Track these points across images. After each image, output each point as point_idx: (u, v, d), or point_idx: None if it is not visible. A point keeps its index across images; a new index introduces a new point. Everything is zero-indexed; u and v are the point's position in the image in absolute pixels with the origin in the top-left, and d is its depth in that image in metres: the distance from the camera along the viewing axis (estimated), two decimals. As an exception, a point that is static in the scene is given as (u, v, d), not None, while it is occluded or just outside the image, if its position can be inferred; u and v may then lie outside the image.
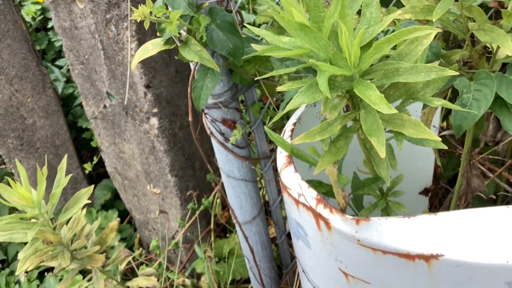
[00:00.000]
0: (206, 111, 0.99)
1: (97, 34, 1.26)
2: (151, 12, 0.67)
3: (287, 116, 1.15)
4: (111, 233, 1.08)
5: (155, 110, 1.30)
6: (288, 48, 0.59)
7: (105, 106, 1.42)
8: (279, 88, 0.62)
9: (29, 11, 1.89)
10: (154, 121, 1.32)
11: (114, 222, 1.08)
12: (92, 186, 1.02)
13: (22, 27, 1.58)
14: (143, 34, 1.21)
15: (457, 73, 0.54)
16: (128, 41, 1.21)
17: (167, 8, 0.78)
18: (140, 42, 1.21)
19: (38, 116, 1.65)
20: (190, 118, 0.90)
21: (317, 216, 0.67)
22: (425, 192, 1.19)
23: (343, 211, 0.70)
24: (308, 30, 0.54)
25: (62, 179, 0.95)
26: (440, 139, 0.58)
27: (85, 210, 1.05)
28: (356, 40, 0.51)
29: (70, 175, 0.99)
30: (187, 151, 1.44)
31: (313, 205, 0.68)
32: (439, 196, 1.25)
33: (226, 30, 0.78)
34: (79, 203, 0.98)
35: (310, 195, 0.69)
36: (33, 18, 1.92)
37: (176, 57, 0.85)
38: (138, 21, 1.17)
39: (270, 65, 0.83)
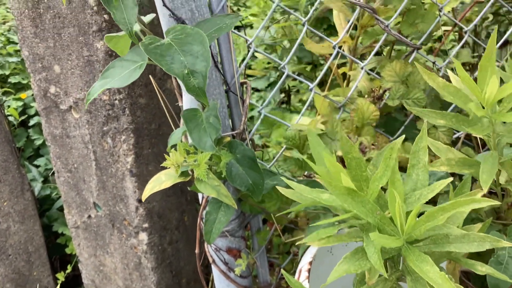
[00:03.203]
0: (210, 239, 0.93)
1: (90, 145, 1.21)
2: (185, 160, 0.63)
3: (293, 243, 1.10)
4: None
5: (146, 225, 1.23)
6: (328, 205, 0.55)
7: (89, 217, 1.34)
8: (306, 240, 0.58)
9: (12, 110, 1.83)
10: (143, 236, 1.25)
11: None
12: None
13: (5, 127, 1.52)
14: (141, 148, 1.17)
15: (511, 244, 0.51)
16: (124, 154, 1.16)
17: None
18: (137, 156, 1.17)
19: (13, 221, 1.54)
20: (196, 250, 0.84)
21: None
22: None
23: None
24: (355, 195, 0.51)
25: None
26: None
27: None
28: (413, 212, 0.48)
29: None
30: (175, 267, 1.36)
31: None
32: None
33: (246, 165, 0.75)
34: None
35: None
36: (15, 118, 1.86)
37: (188, 188, 0.80)
38: (135, 135, 1.14)
39: (290, 201, 0.80)
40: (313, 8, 0.99)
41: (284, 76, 0.94)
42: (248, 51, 0.91)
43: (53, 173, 1.39)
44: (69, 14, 1.06)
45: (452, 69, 0.96)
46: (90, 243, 1.39)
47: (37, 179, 1.78)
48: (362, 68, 1.03)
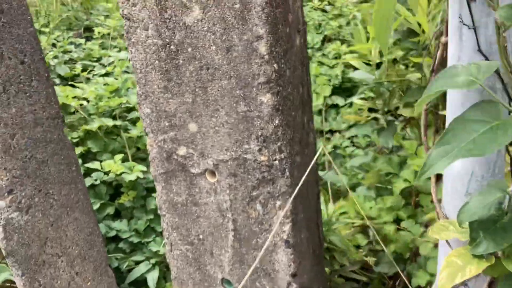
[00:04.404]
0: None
1: (230, 213, 1.04)
2: None
3: None
4: None
5: (295, 302, 1.06)
6: None
7: (212, 295, 1.16)
8: None
9: (110, 165, 1.60)
10: (290, 315, 1.07)
11: None
12: None
13: (88, 198, 1.32)
14: (296, 214, 1.02)
15: None
16: (276, 222, 1.00)
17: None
18: (294, 223, 1.01)
19: (101, 304, 1.33)
20: None
21: None
22: None
23: None
24: None
25: None
26: None
27: None
28: None
29: None
30: None
31: None
32: None
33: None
34: None
35: None
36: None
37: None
38: (293, 200, 0.98)
39: None
40: None
41: None
42: None
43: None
44: (225, 65, 0.92)
45: None
46: (209, 325, 1.20)
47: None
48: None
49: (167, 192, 1.11)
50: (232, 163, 1.00)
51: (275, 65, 0.89)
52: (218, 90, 0.95)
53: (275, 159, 0.96)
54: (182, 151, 1.05)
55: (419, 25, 1.23)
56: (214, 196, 1.05)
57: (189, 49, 0.94)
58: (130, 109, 2.04)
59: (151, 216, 1.64)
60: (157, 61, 0.99)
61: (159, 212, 1.16)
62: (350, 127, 2.04)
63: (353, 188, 1.64)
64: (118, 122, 1.79)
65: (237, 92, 0.93)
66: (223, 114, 0.96)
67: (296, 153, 0.99)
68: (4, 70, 1.08)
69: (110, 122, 1.78)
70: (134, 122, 1.98)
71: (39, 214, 1.19)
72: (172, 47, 0.96)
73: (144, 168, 1.70)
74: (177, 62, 0.97)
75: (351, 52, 2.28)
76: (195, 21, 0.91)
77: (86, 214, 1.29)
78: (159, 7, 0.94)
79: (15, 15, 1.08)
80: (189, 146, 1.03)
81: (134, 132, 1.84)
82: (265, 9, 0.84)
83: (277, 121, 0.92)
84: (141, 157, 1.91)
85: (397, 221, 1.33)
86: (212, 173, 1.04)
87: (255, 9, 0.85)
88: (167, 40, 0.96)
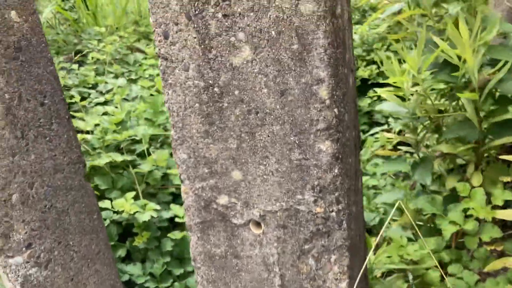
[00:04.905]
0: None
1: (277, 267, 0.96)
2: None
3: None
4: None
5: None
6: None
7: None
8: None
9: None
10: None
11: None
12: None
13: (109, 246, 1.22)
14: (352, 269, 0.93)
15: None
16: (334, 278, 0.91)
17: None
18: (350, 279, 0.92)
19: None
20: None
21: None
22: None
23: None
24: None
25: None
26: None
27: None
28: None
29: None
30: None
31: None
32: None
33: None
34: None
35: None
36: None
37: None
38: (350, 254, 0.90)
39: None
40: None
41: None
42: None
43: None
44: (278, 109, 0.84)
45: None
46: None
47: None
48: None
49: (203, 243, 1.02)
50: (281, 214, 0.91)
51: (335, 110, 0.81)
52: (268, 136, 0.87)
53: (332, 211, 0.87)
54: (223, 200, 0.96)
55: (459, 58, 1.17)
56: (259, 248, 0.96)
57: (236, 92, 0.86)
58: (135, 142, 1.94)
59: (168, 259, 1.54)
60: (197, 104, 0.91)
61: (192, 264, 1.06)
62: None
63: (381, 224, 1.57)
64: (129, 158, 1.69)
65: (291, 138, 0.85)
66: (273, 161, 0.88)
67: (352, 203, 0.91)
68: (23, 114, 0.98)
69: (119, 158, 1.68)
70: (141, 155, 1.88)
71: (58, 268, 1.08)
72: (216, 89, 0.88)
73: (157, 207, 1.60)
74: (220, 105, 0.89)
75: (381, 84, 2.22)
76: (245, 62, 0.83)
77: (107, 265, 1.18)
78: (202, 46, 0.86)
79: (34, 53, 0.99)
80: (232, 195, 0.95)
81: (144, 167, 1.74)
82: (327, 50, 0.77)
83: (336, 171, 0.84)
84: (150, 192, 1.81)
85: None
86: (258, 224, 0.95)
87: (316, 50, 0.77)
88: (210, 81, 0.87)
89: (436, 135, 1.39)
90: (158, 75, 2.83)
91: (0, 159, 0.96)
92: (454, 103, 1.28)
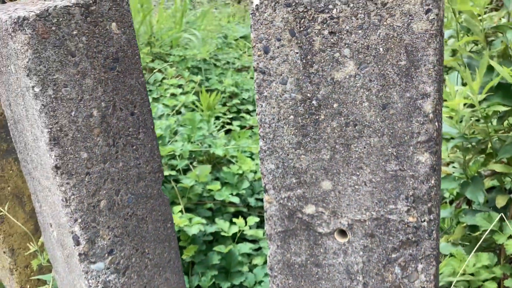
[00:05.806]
0: None
1: (361, 276, 0.99)
2: None
3: None
4: None
5: None
6: None
7: None
8: None
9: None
10: None
11: None
12: None
13: (178, 254, 1.24)
14: (436, 278, 0.97)
15: None
16: (421, 286, 0.95)
17: None
18: (435, 287, 0.96)
19: None
20: None
21: None
22: None
23: None
24: None
25: None
26: None
27: None
28: None
29: None
30: None
31: None
32: None
33: None
34: None
35: None
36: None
37: None
38: (436, 263, 0.94)
39: None
40: None
41: None
42: None
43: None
44: (378, 122, 0.88)
45: None
46: None
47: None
48: None
49: (283, 251, 1.05)
50: (370, 224, 0.95)
51: (436, 124, 0.86)
52: (364, 148, 0.91)
53: (424, 220, 0.91)
54: (309, 209, 1.00)
55: (516, 81, 1.24)
56: (343, 257, 0.99)
57: (335, 105, 0.91)
58: (173, 157, 1.97)
59: (215, 272, 1.55)
60: (292, 116, 0.95)
61: (268, 272, 1.09)
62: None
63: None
64: (173, 173, 1.72)
65: (389, 150, 0.89)
66: (367, 172, 0.92)
67: (439, 214, 0.95)
68: (115, 122, 1.02)
69: (164, 172, 1.70)
70: (183, 171, 1.90)
71: (134, 275, 1.10)
72: (313, 102, 0.92)
73: (203, 221, 1.62)
74: (317, 117, 0.93)
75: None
76: (347, 76, 0.88)
77: (176, 273, 1.20)
78: (304, 61, 0.91)
79: (129, 64, 1.02)
80: (319, 205, 0.98)
81: (186, 181, 1.77)
82: (435, 66, 0.82)
83: (432, 181, 0.89)
84: (189, 207, 1.83)
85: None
86: (343, 233, 0.99)
87: (425, 66, 0.82)
88: (308, 95, 0.92)
89: (483, 156, 1.45)
90: (181, 94, 2.87)
91: (93, 165, 0.99)
92: (506, 124, 1.35)
